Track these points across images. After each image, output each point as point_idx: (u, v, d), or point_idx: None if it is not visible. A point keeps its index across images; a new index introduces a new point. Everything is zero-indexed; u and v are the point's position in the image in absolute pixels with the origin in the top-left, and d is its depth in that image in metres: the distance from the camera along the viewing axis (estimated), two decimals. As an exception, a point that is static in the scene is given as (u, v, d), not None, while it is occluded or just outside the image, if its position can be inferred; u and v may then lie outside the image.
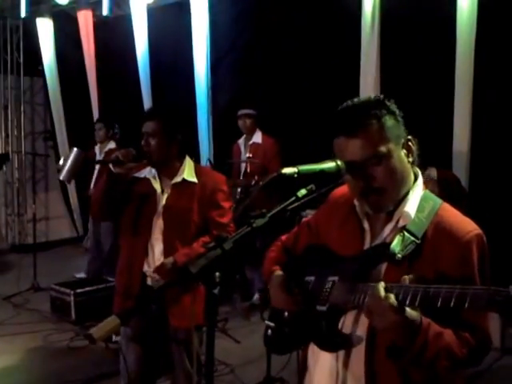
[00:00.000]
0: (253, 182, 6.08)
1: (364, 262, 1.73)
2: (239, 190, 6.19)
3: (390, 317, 1.49)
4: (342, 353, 1.78)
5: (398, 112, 1.76)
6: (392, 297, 1.50)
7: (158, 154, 3.17)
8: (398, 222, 1.76)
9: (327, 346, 1.78)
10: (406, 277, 1.53)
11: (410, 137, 1.77)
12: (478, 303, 1.39)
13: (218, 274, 1.53)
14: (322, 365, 1.86)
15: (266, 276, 2.08)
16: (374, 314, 1.54)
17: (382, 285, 1.53)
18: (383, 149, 1.68)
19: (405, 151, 1.75)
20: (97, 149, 7.17)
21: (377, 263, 1.72)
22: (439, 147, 5.18)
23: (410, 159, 1.76)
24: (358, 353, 1.73)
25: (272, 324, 2.00)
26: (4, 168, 8.98)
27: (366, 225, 1.83)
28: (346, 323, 1.78)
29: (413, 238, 1.68)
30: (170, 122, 3.22)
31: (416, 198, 1.77)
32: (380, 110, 1.72)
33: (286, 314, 1.94)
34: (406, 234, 1.68)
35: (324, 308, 1.77)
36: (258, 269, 5.97)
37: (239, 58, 7.01)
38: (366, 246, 1.81)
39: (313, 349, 1.88)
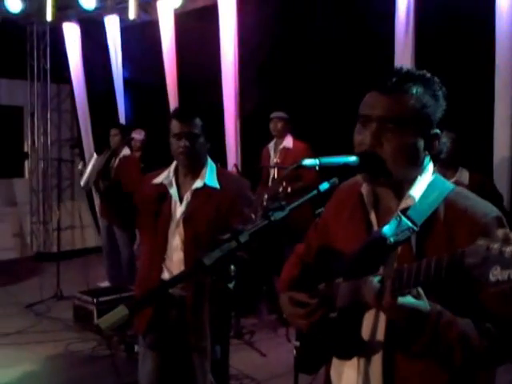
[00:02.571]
0: (281, 189, 5.91)
1: (363, 255, 1.61)
2: (266, 196, 6.02)
3: (390, 307, 1.41)
4: (362, 362, 1.66)
5: (443, 104, 1.63)
6: (385, 287, 1.41)
7: (197, 155, 3.02)
8: None
9: (345, 354, 1.67)
10: (405, 265, 1.42)
11: (438, 132, 1.63)
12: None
13: (232, 267, 1.46)
14: (346, 378, 1.72)
15: (279, 297, 1.95)
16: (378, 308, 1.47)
17: (376, 277, 1.45)
18: (406, 120, 1.57)
19: (424, 143, 1.61)
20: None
21: (377, 253, 1.59)
22: (478, 151, 4.97)
23: (426, 153, 1.64)
24: (377, 360, 1.62)
25: (297, 343, 1.89)
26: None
27: (373, 217, 1.70)
28: (365, 327, 1.65)
29: (410, 225, 1.56)
30: (201, 122, 3.06)
31: (423, 184, 1.64)
32: (427, 89, 1.60)
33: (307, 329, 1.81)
34: (403, 218, 1.57)
35: (335, 314, 1.66)
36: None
37: (267, 61, 6.88)
38: None
39: (336, 361, 1.75)
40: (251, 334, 5.48)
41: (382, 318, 1.60)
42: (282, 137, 6.25)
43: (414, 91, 1.58)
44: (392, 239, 1.55)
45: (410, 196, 1.62)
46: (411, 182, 1.63)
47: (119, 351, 5.07)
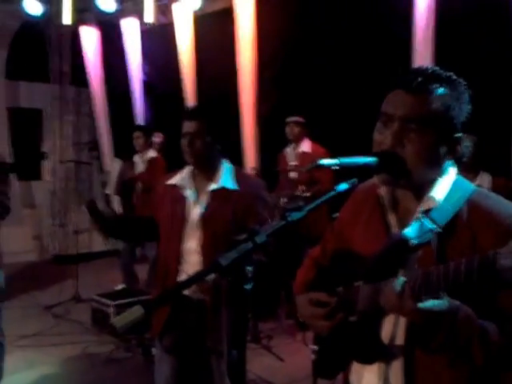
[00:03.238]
0: (298, 193, 5.87)
1: (384, 257, 1.58)
2: (284, 200, 5.98)
3: (411, 311, 1.38)
4: (382, 366, 1.63)
5: (467, 108, 1.60)
6: (406, 290, 1.39)
7: (202, 155, 3.01)
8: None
9: (365, 358, 1.64)
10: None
11: (461, 136, 1.59)
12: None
13: (249, 268, 1.42)
14: (366, 382, 1.69)
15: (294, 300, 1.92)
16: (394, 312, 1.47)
17: (397, 280, 1.42)
18: (429, 121, 1.53)
19: (447, 146, 1.57)
20: (136, 158, 7.07)
21: (397, 255, 1.56)
22: (499, 154, 4.88)
23: (448, 157, 1.60)
24: (398, 364, 1.59)
25: (315, 347, 1.85)
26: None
27: (393, 218, 1.66)
28: (384, 331, 1.62)
29: (433, 226, 1.53)
30: (213, 121, 3.06)
31: (445, 186, 1.60)
32: (452, 91, 1.57)
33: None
34: (425, 219, 1.55)
35: (355, 318, 1.63)
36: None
37: (286, 64, 6.85)
38: None
39: (356, 366, 1.72)
40: (269, 339, 5.44)
41: (402, 321, 1.57)
42: (298, 141, 6.22)
43: (440, 92, 1.55)
44: (414, 241, 1.52)
45: (431, 197, 1.58)
46: (431, 183, 1.60)
47: (136, 354, 5.06)
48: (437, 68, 1.61)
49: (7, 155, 8.51)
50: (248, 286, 1.42)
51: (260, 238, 1.41)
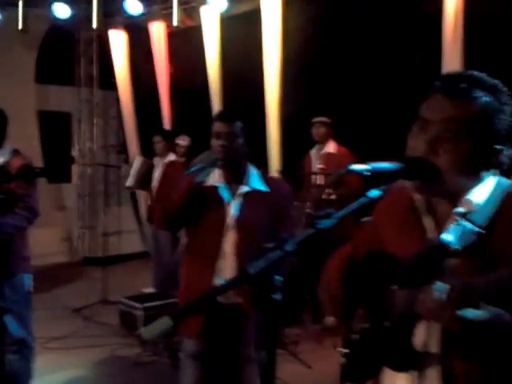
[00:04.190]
0: (324, 196, 5.80)
1: (421, 262, 1.52)
2: (309, 203, 5.92)
3: (452, 320, 1.35)
4: (416, 375, 1.57)
5: (509, 119, 1.52)
6: (447, 298, 1.35)
7: (230, 154, 3.01)
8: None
9: (398, 366, 1.58)
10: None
11: (501, 148, 1.52)
12: None
13: (278, 277, 1.38)
14: None
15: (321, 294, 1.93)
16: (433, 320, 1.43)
17: (436, 286, 1.38)
18: (468, 131, 1.47)
19: (484, 160, 1.52)
20: (155, 161, 7.09)
21: (435, 261, 1.50)
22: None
23: (486, 169, 1.54)
24: (434, 372, 1.53)
25: (345, 350, 1.78)
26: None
27: (429, 222, 1.61)
28: (417, 338, 1.56)
29: (473, 227, 1.48)
30: (241, 125, 3.10)
31: (485, 189, 1.55)
32: (496, 100, 1.50)
33: (356, 336, 1.74)
34: (463, 221, 1.50)
35: (389, 323, 1.58)
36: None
37: (311, 65, 6.79)
38: None
39: (386, 371, 1.66)
40: (295, 345, 5.38)
41: (436, 329, 1.52)
42: (324, 142, 6.16)
43: (482, 101, 1.48)
44: (455, 246, 1.47)
45: (469, 200, 1.53)
46: (468, 190, 1.55)
47: (163, 357, 5.05)
48: (483, 74, 1.55)
49: (38, 158, 8.63)
50: (277, 296, 1.38)
51: (289, 247, 1.37)
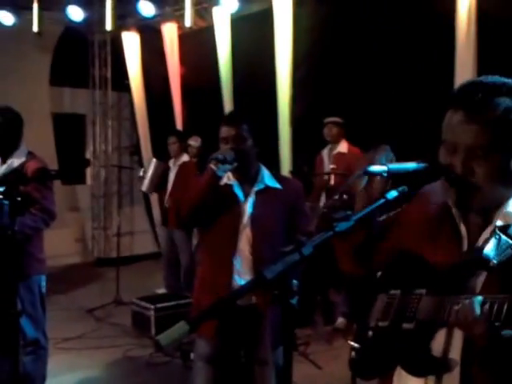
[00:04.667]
0: (337, 196, 5.79)
1: (455, 272, 1.50)
2: (322, 204, 5.92)
3: (482, 335, 1.32)
4: (431, 379, 1.54)
5: None
6: (486, 313, 1.32)
7: (240, 157, 3.00)
8: None
9: (416, 370, 1.55)
10: None
11: None
12: None
13: (295, 281, 1.36)
14: None
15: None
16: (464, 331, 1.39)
17: (477, 299, 1.35)
18: (496, 144, 1.45)
19: None
20: (171, 163, 7.12)
21: (470, 272, 1.48)
22: None
23: None
24: (451, 379, 1.49)
25: (356, 345, 1.77)
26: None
27: (463, 229, 1.58)
28: (436, 343, 1.54)
29: (509, 241, 1.44)
30: (252, 125, 3.10)
31: None
32: None
33: (371, 333, 1.72)
34: (502, 235, 1.44)
35: (411, 326, 1.55)
36: (342, 292, 5.67)
37: (323, 66, 6.78)
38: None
39: (400, 374, 1.63)
40: (306, 346, 5.35)
41: (458, 336, 1.50)
42: (336, 142, 6.14)
43: (503, 107, 1.46)
44: (494, 260, 1.43)
45: (508, 213, 1.51)
46: (503, 201, 1.53)
47: (175, 358, 5.07)
48: (496, 78, 1.52)
49: (53, 160, 8.70)
50: (294, 301, 1.37)
51: (307, 250, 1.36)
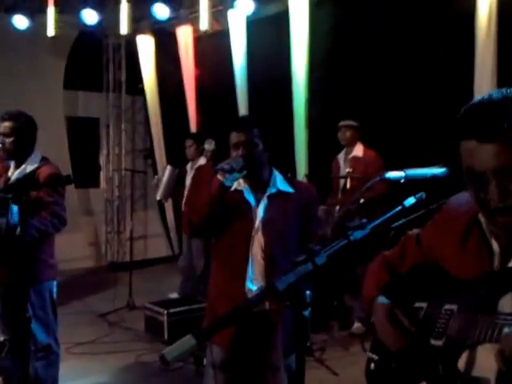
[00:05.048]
0: (352, 203, 5.72)
1: (490, 289, 1.42)
2: (337, 208, 5.85)
3: None
4: None
5: None
6: None
7: (251, 163, 2.97)
8: None
9: None
10: None
11: None
12: None
13: (308, 292, 1.31)
14: None
15: (365, 302, 1.80)
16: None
17: None
18: None
19: None
20: (188, 166, 7.09)
21: (503, 291, 1.41)
22: None
23: None
24: None
25: (375, 357, 1.72)
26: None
27: (495, 245, 1.50)
28: (462, 361, 1.46)
29: None
30: (264, 129, 3.07)
31: None
32: None
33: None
34: None
35: (440, 342, 1.49)
36: (359, 297, 5.60)
37: (339, 68, 6.72)
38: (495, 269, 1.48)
39: None
40: (322, 351, 5.29)
41: (484, 354, 1.42)
42: (351, 145, 6.07)
43: None
44: None
45: None
46: None
47: (188, 363, 5.02)
48: (501, 92, 1.42)
49: (67, 163, 8.70)
50: (306, 313, 1.31)
51: (320, 259, 1.30)
